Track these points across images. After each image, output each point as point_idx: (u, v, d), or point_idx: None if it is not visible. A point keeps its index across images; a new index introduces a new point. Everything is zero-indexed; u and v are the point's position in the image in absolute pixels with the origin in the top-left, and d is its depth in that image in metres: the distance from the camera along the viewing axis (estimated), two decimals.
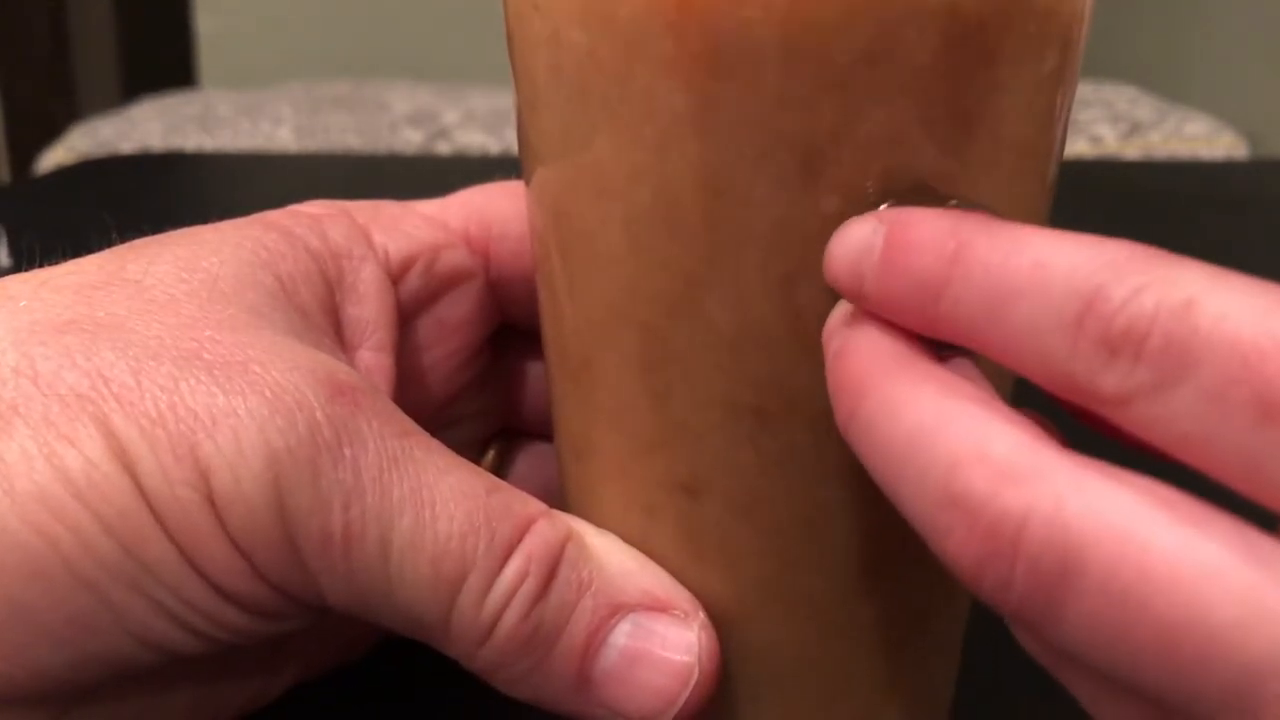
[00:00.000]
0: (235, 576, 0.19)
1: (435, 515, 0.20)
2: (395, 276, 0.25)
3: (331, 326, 0.23)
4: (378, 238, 0.25)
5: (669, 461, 0.21)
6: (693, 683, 0.21)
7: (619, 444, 0.22)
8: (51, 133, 1.38)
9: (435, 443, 0.21)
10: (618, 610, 0.21)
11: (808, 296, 0.19)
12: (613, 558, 0.22)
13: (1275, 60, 1.28)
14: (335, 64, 1.69)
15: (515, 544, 0.20)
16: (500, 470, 0.29)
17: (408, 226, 0.25)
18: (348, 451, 0.20)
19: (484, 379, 0.28)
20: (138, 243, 0.22)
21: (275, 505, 0.19)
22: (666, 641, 0.21)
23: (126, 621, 0.19)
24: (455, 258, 0.26)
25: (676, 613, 0.21)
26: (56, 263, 0.21)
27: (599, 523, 0.22)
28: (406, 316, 0.25)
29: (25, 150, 1.73)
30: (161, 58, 1.96)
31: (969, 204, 0.18)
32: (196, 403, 0.19)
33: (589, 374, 0.22)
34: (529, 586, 0.20)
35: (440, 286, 0.26)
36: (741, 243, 0.19)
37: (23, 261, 0.22)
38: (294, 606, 0.20)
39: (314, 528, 0.19)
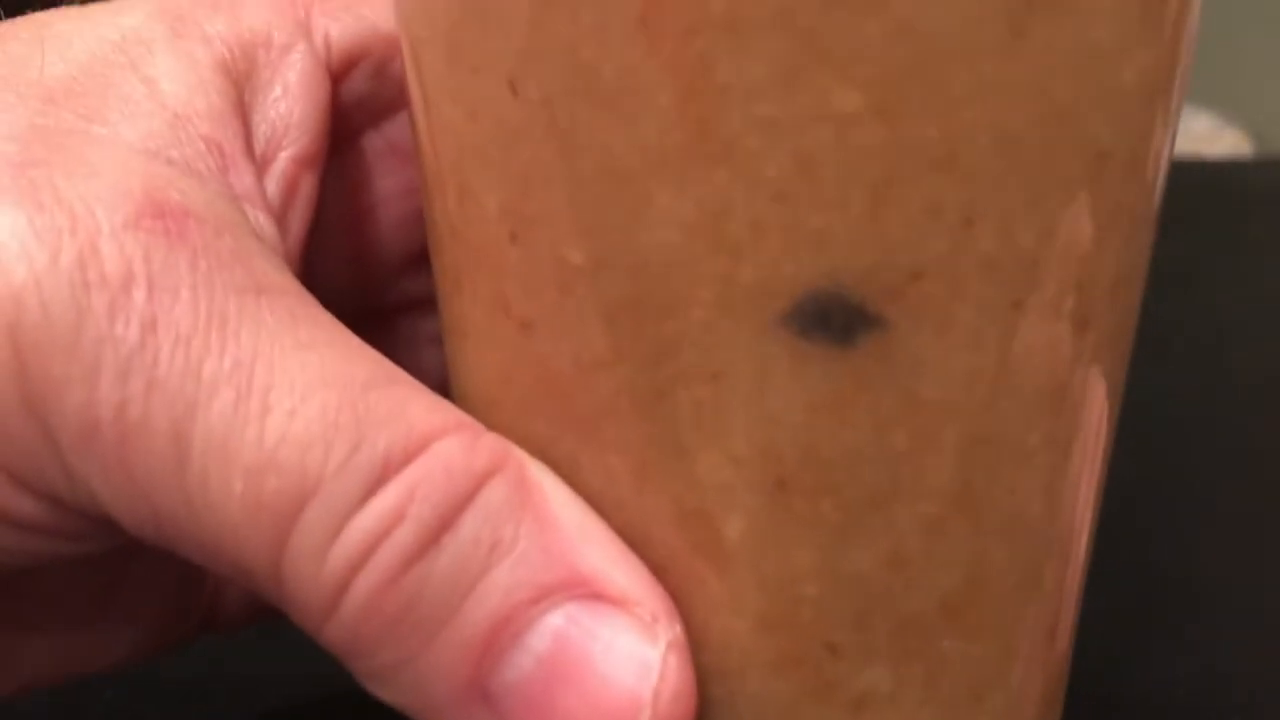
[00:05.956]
0: None
1: (266, 406, 0.14)
2: (336, 72, 0.19)
3: (234, 136, 0.17)
4: (319, 20, 0.19)
5: None
6: None
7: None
8: None
9: (314, 312, 0.15)
10: (547, 594, 0.15)
11: None
12: (565, 513, 0.15)
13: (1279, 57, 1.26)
14: None
15: (396, 467, 0.14)
16: None
17: (366, 9, 0.19)
18: (138, 295, 0.14)
19: None
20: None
21: (13, 369, 0.14)
22: (613, 653, 0.15)
23: None
24: None
25: (640, 612, 0.15)
26: None
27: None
28: (348, 130, 0.20)
29: None
30: None
31: None
32: None
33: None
34: (404, 535, 0.14)
35: (398, 95, 0.19)
36: None
37: None
38: (73, 520, 0.15)
39: (70, 405, 0.14)
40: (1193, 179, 0.82)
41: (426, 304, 0.19)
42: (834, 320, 0.14)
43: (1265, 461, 0.36)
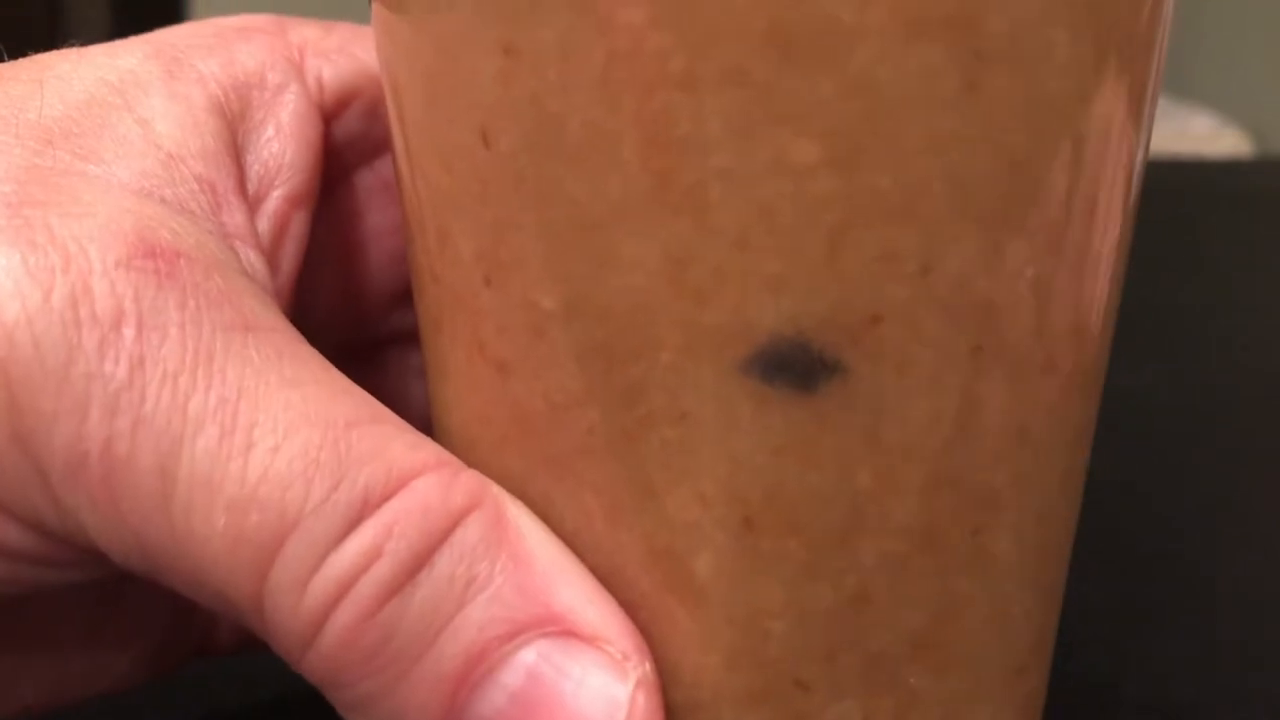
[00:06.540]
0: None
1: (250, 442, 0.14)
2: (329, 111, 0.19)
3: (226, 175, 0.18)
4: (312, 61, 0.19)
5: None
6: None
7: None
8: None
9: (301, 350, 0.15)
10: (520, 630, 0.15)
11: None
12: (540, 551, 0.15)
13: (1279, 57, 1.26)
14: None
15: (375, 505, 0.15)
16: None
17: (359, 49, 0.20)
18: (127, 333, 0.14)
19: None
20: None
21: (4, 403, 0.14)
22: (583, 690, 0.15)
23: None
24: None
25: (611, 650, 0.15)
26: None
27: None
28: (340, 168, 0.20)
29: None
30: None
31: None
32: None
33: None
34: (382, 571, 0.14)
35: (389, 135, 0.20)
36: None
37: None
38: (62, 550, 0.15)
39: (59, 439, 0.14)
40: (1193, 179, 0.81)
41: (415, 338, 0.19)
42: (795, 365, 0.14)
43: (1265, 460, 0.36)
